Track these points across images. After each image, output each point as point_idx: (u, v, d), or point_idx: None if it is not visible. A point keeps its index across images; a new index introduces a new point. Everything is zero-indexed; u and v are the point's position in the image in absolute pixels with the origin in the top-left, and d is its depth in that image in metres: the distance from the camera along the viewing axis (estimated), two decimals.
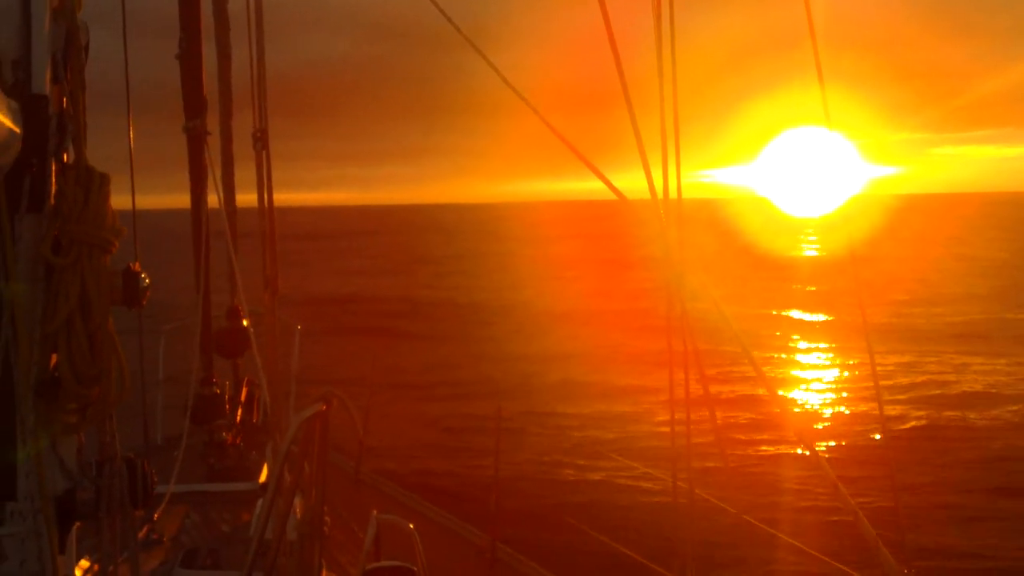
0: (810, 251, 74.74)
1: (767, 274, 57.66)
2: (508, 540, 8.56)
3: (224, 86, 8.67)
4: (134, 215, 4.69)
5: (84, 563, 3.47)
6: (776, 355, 30.46)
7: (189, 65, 9.09)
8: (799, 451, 19.01)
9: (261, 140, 5.31)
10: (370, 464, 10.82)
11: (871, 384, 23.67)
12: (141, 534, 7.05)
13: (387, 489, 10.13)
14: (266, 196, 5.09)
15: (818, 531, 14.27)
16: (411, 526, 5.82)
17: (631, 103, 3.14)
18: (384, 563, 5.41)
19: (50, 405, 3.02)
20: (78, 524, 3.25)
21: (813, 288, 50.55)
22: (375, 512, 5.46)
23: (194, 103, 9.13)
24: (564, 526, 14.05)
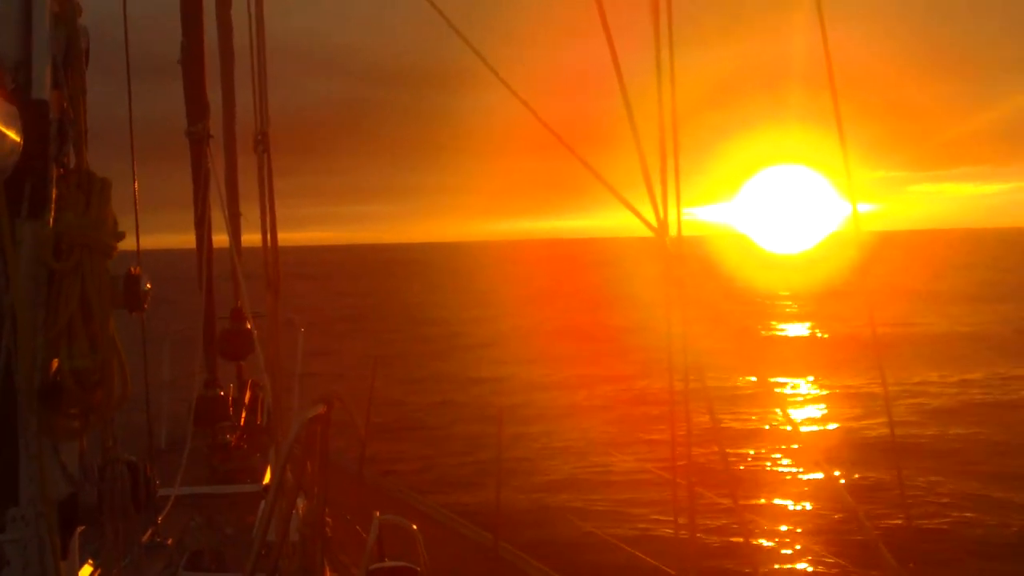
0: (791, 287, 74.41)
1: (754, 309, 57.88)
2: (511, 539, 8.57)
3: (227, 88, 8.68)
4: (136, 220, 4.71)
5: (88, 568, 3.47)
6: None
7: (191, 68, 9.10)
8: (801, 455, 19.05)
9: (263, 143, 5.34)
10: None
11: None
12: (145, 537, 7.05)
13: (390, 489, 10.13)
14: (267, 200, 5.11)
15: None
16: (414, 526, 5.83)
17: (639, 137, 3.11)
18: (387, 563, 5.42)
19: (52, 410, 3.02)
20: (81, 528, 3.25)
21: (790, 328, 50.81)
22: (377, 513, 5.47)
23: (196, 106, 9.13)
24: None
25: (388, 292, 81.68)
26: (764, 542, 14.64)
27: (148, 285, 3.27)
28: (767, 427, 21.78)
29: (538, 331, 46.26)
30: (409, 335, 47.73)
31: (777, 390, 28.61)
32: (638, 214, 3.16)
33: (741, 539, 12.74)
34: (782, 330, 49.23)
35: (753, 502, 16.25)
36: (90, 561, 3.49)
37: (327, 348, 36.55)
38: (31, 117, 2.97)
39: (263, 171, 5.18)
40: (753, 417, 22.44)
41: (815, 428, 23.19)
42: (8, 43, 3.00)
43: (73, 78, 3.16)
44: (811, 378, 30.10)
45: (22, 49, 3.02)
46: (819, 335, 45.67)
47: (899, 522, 13.61)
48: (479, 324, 51.19)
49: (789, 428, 19.05)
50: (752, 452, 20.19)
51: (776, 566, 13.65)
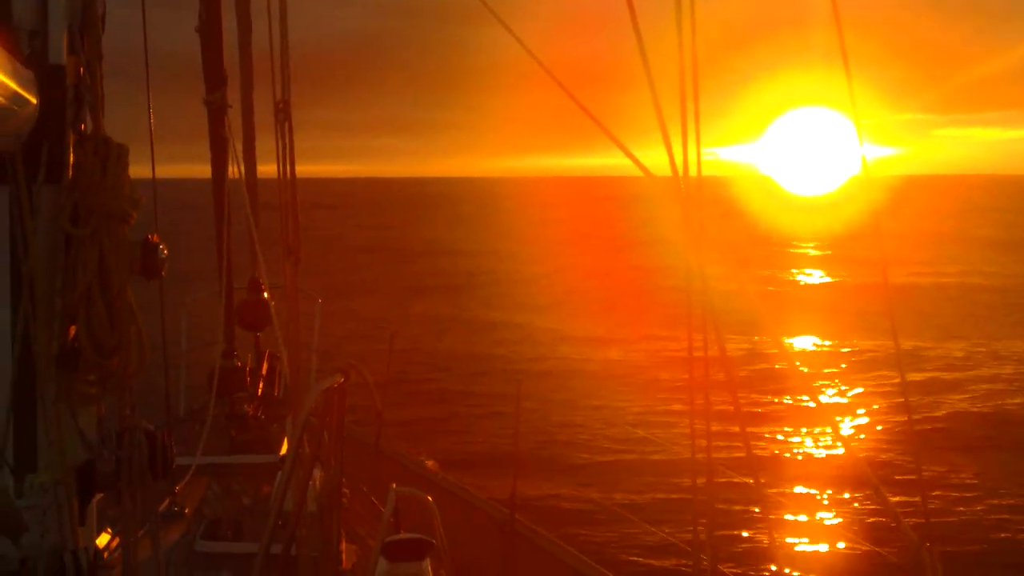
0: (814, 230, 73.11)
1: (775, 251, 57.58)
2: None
3: (245, 58, 8.63)
4: (154, 186, 4.69)
5: (105, 536, 3.47)
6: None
7: (209, 37, 9.05)
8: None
9: (283, 111, 5.30)
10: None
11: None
12: (163, 506, 7.09)
13: (406, 461, 10.15)
14: (287, 167, 5.09)
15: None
16: (430, 499, 5.83)
17: (651, 76, 3.01)
18: (403, 535, 5.42)
19: (70, 376, 3.02)
20: (99, 496, 3.25)
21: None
22: (394, 485, 5.47)
23: (214, 75, 9.09)
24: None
25: (408, 225, 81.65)
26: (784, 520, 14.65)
27: (165, 252, 3.26)
28: (788, 400, 21.58)
29: (561, 271, 45.57)
30: (429, 268, 47.51)
31: (799, 349, 28.13)
32: (637, 162, 3.10)
33: (759, 510, 12.71)
34: (807, 276, 48.42)
35: (775, 489, 16.18)
36: (108, 529, 3.49)
37: (347, 283, 36.42)
38: (48, 82, 2.95)
39: (284, 139, 5.16)
40: (775, 397, 22.17)
41: (836, 400, 22.94)
42: (24, 8, 2.98)
43: (89, 43, 3.14)
44: (835, 340, 29.30)
45: (39, 14, 3.00)
46: (841, 282, 44.78)
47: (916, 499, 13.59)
48: (501, 260, 50.94)
49: (812, 405, 18.75)
50: (769, 419, 20.12)
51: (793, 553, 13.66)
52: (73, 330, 3.02)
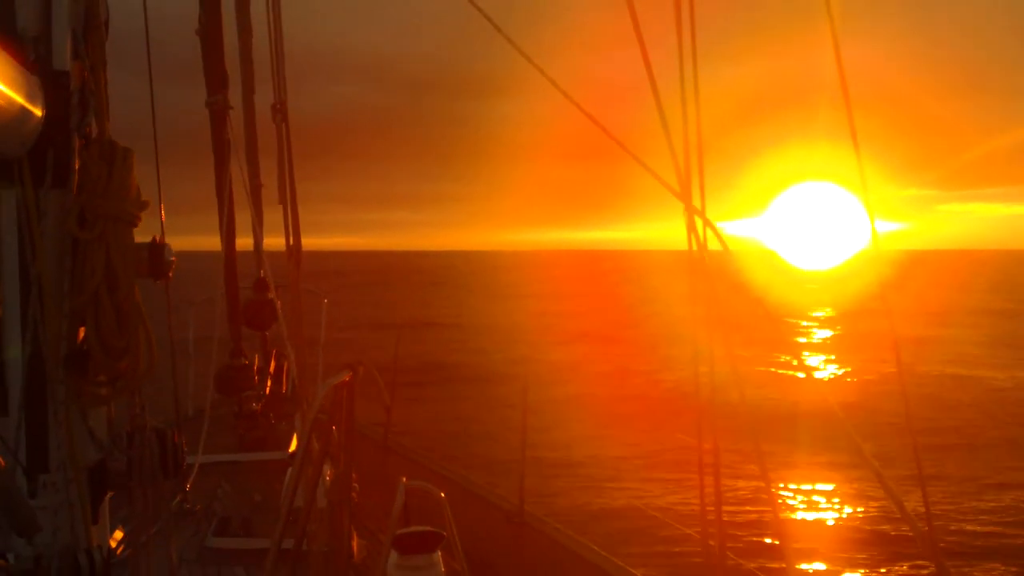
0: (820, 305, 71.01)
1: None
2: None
3: (245, 61, 8.66)
4: (159, 189, 4.73)
5: (118, 534, 3.52)
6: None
7: (210, 40, 9.08)
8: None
9: (280, 112, 5.36)
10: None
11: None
12: (174, 504, 7.15)
13: (415, 456, 10.21)
14: (287, 167, 5.14)
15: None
16: (441, 493, 5.87)
17: (675, 149, 2.92)
18: (413, 528, 5.47)
19: (79, 378, 3.06)
20: (111, 495, 3.30)
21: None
22: (404, 479, 5.51)
23: (215, 78, 9.12)
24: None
25: (421, 299, 77.89)
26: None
27: (173, 258, 3.30)
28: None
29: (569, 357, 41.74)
30: (441, 346, 44.06)
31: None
32: (676, 192, 3.06)
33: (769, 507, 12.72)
34: (817, 359, 46.03)
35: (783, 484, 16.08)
36: (120, 527, 3.54)
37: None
38: (52, 88, 2.99)
39: (282, 140, 5.22)
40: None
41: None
42: (28, 15, 3.01)
43: (93, 49, 3.18)
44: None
45: (42, 21, 3.04)
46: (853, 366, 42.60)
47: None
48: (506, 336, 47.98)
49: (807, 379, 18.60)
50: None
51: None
52: (82, 332, 3.06)
